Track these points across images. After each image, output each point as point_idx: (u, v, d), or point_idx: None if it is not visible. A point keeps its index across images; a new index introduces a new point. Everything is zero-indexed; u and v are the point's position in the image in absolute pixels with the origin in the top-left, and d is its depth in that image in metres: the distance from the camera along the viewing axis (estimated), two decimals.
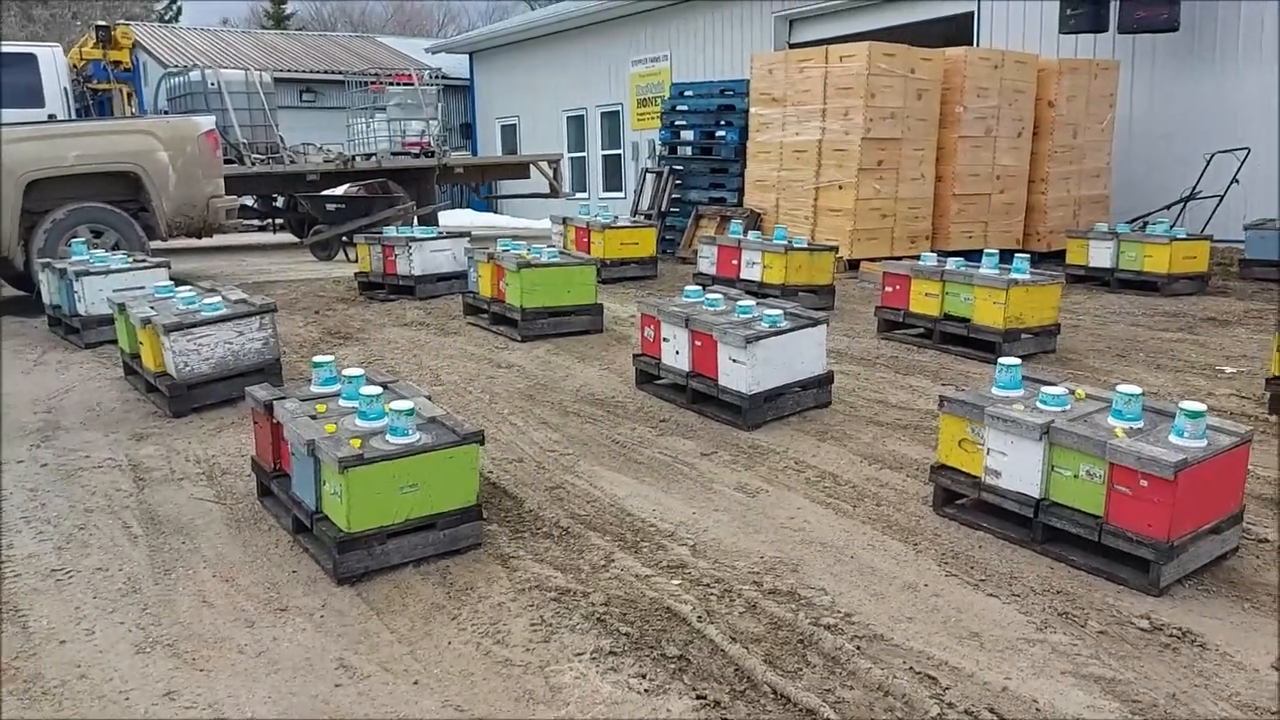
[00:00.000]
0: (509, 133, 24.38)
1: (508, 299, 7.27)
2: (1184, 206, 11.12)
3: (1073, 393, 3.98)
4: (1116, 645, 3.16)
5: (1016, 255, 6.68)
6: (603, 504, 4.31)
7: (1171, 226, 9.73)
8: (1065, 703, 2.86)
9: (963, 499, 4.14)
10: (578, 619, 3.31)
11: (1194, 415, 3.54)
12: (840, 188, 9.77)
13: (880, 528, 4.04)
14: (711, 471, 4.69)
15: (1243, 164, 10.81)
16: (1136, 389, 3.76)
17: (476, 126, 25.59)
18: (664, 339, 5.69)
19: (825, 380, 5.47)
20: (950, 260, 6.82)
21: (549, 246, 7.94)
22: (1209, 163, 10.91)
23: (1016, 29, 13.54)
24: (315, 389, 4.25)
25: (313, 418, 3.89)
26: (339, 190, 13.11)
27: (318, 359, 4.39)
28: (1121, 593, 3.50)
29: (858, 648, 3.14)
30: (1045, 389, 3.94)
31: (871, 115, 9.56)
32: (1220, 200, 10.92)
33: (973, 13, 14.20)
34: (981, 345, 6.46)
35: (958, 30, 14.14)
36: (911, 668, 3.03)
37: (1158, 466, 3.40)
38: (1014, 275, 6.41)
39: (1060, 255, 10.10)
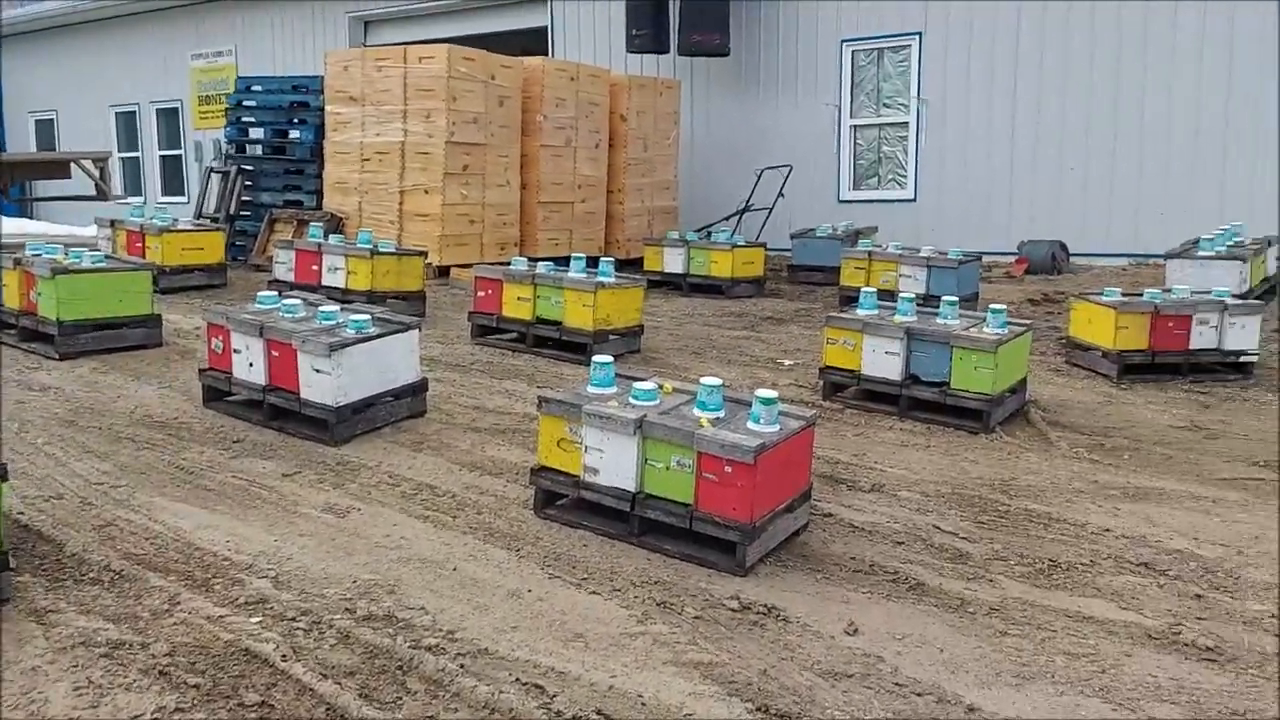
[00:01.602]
0: (45, 128, 21.45)
1: (41, 311, 6.24)
2: (740, 217, 12.20)
3: (661, 387, 4.08)
4: (711, 628, 3.24)
5: (602, 260, 6.86)
6: (165, 540, 3.75)
7: (731, 235, 10.59)
8: (669, 693, 2.86)
9: (563, 499, 4.10)
10: (135, 675, 2.82)
11: (768, 402, 3.75)
12: (426, 192, 9.56)
13: (482, 536, 3.89)
14: (295, 493, 4.27)
15: (786, 179, 12.06)
16: (717, 381, 3.92)
17: (4, 120, 22.23)
18: (235, 350, 5.14)
19: (419, 388, 5.22)
20: (540, 265, 6.86)
21: (94, 252, 6.95)
22: (759, 178, 12.06)
23: (589, 45, 14.16)
24: None
25: None
26: None
27: None
28: (713, 576, 3.61)
29: (462, 666, 2.95)
30: (636, 385, 3.99)
31: (454, 119, 9.45)
32: (770, 212, 12.11)
33: (547, 27, 14.65)
34: (573, 347, 6.56)
35: (535, 43, 14.50)
36: (518, 679, 2.89)
37: (739, 452, 3.55)
38: (601, 279, 6.57)
39: (639, 262, 10.64)
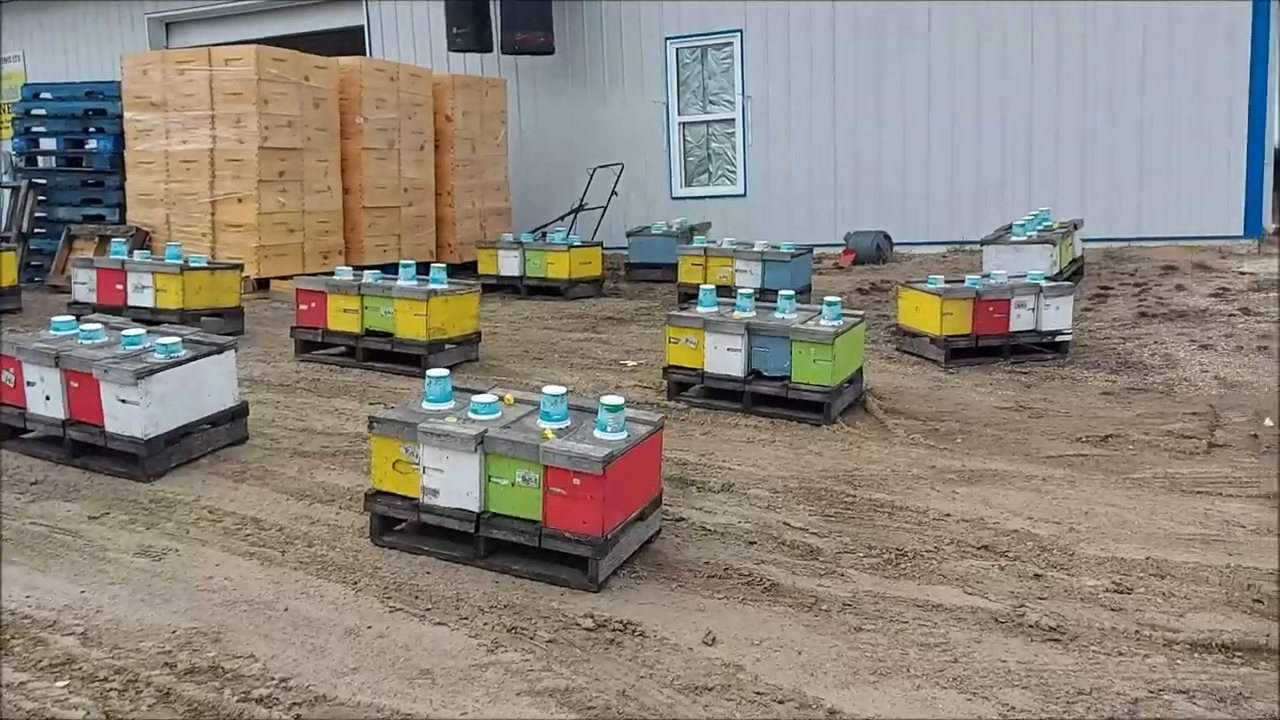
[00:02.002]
0: None
1: None
2: (575, 217, 12.08)
3: (502, 399, 3.91)
4: (566, 651, 3.11)
5: (433, 266, 6.59)
6: None
7: (567, 236, 10.46)
8: None
9: (402, 524, 3.88)
10: None
11: (614, 409, 3.63)
12: (240, 201, 9.03)
13: (314, 571, 3.62)
14: (104, 537, 3.89)
15: (619, 178, 12.02)
16: (561, 389, 3.78)
17: None
18: (29, 383, 4.66)
19: (239, 413, 4.86)
20: (367, 273, 6.55)
21: None
22: (592, 177, 11.97)
23: (408, 44, 13.76)
24: None
25: None
26: None
27: None
28: (565, 594, 3.47)
29: (297, 717, 2.73)
30: (476, 398, 3.81)
31: (267, 123, 8.96)
32: (604, 211, 12.04)
33: (363, 26, 14.16)
34: (407, 359, 6.28)
35: (351, 44, 13.98)
36: None
37: (587, 463, 3.42)
38: (433, 286, 6.32)
39: (473, 266, 10.38)
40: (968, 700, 2.87)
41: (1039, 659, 3.09)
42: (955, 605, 3.46)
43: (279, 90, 9.05)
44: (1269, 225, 10.88)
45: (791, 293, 5.78)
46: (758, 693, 2.90)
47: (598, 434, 3.62)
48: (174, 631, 3.17)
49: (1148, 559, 3.83)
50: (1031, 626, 3.29)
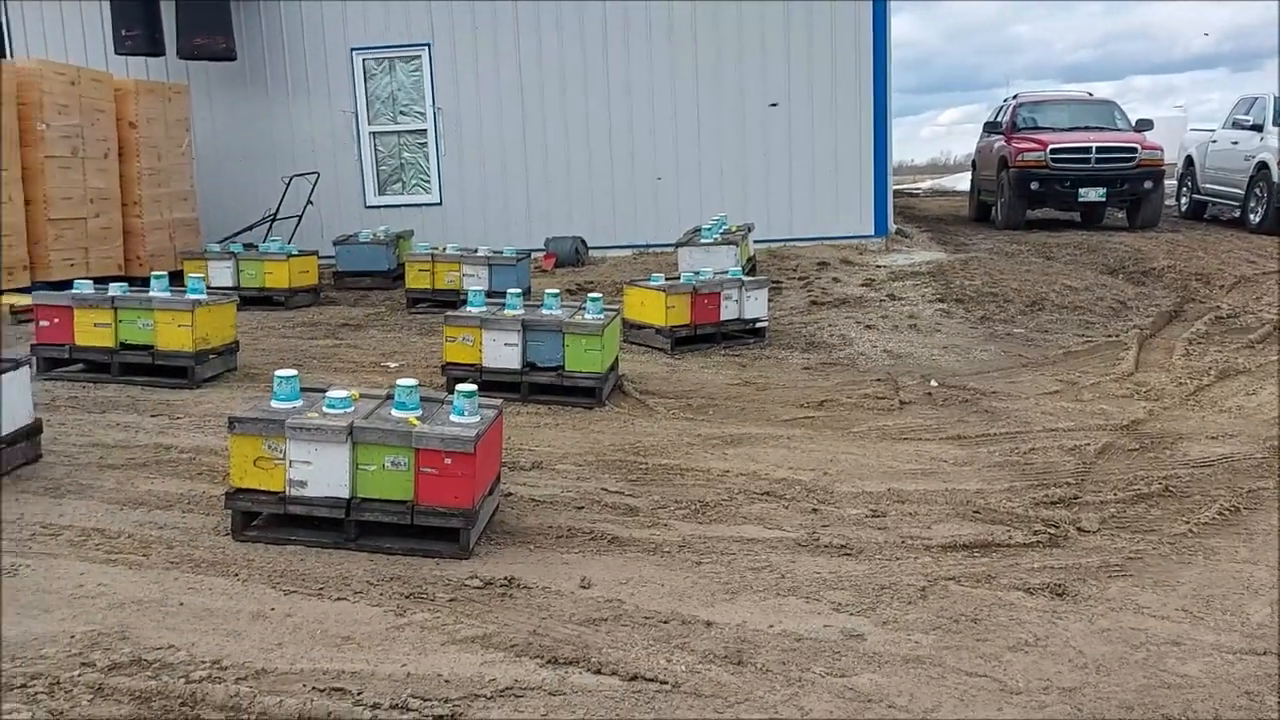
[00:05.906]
0: None
1: None
2: (270, 226, 11.83)
3: (350, 395, 4.17)
4: (467, 607, 3.51)
5: (189, 276, 6.46)
6: None
7: (283, 245, 10.25)
8: (462, 666, 3.11)
9: (258, 520, 4.04)
10: None
11: (470, 395, 4.05)
12: None
13: (189, 569, 3.72)
14: None
15: (315, 186, 11.93)
16: (412, 381, 4.13)
17: None
18: None
19: (34, 430, 4.64)
20: (113, 285, 6.29)
21: None
22: (289, 185, 11.79)
23: (58, 45, 12.70)
24: None
25: None
26: None
27: None
28: (440, 564, 3.85)
29: (251, 688, 2.93)
30: (330, 394, 4.06)
31: None
32: (299, 220, 11.91)
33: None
34: (171, 371, 6.13)
35: None
36: (315, 687, 2.96)
37: (459, 443, 3.82)
38: (195, 296, 6.21)
39: (172, 279, 9.89)
40: (805, 602, 3.62)
41: (843, 569, 3.92)
42: (764, 538, 4.22)
43: None
44: (892, 226, 12.98)
45: (557, 291, 6.36)
46: (645, 617, 3.48)
47: (455, 418, 4.01)
48: (73, 636, 3.19)
49: (889, 490, 4.82)
50: (827, 547, 4.12)
